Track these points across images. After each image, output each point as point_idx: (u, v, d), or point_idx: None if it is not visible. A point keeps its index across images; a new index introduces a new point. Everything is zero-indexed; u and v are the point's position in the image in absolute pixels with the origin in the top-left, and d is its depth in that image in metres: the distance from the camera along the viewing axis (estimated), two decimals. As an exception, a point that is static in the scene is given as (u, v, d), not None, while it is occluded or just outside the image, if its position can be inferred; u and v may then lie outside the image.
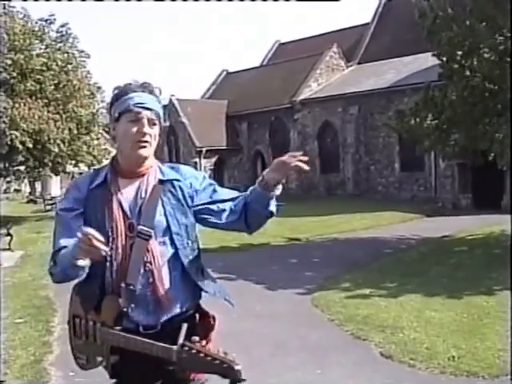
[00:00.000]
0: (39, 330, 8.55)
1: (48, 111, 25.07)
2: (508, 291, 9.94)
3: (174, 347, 2.69)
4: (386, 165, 35.49)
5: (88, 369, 3.16)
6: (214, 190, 3.26)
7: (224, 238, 19.07)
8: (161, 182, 3.14)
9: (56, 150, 25.37)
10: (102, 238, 2.66)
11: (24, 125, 23.76)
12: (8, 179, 36.79)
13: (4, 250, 16.40)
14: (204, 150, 42.40)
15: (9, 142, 23.70)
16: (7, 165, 27.24)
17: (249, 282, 12.46)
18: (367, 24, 45.77)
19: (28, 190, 49.01)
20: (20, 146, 23.99)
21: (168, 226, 3.07)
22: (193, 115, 43.15)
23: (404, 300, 10.17)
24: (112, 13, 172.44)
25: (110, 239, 2.96)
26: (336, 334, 8.38)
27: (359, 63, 42.73)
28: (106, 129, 31.48)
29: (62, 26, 27.34)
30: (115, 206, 3.02)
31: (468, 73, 15.56)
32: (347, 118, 37.09)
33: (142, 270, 2.98)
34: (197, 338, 2.66)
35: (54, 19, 26.92)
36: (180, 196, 3.15)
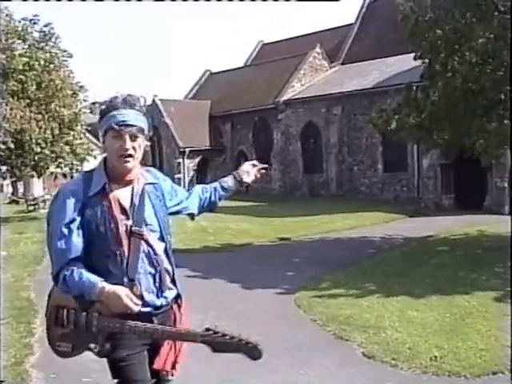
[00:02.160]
0: (20, 331, 8.47)
1: (30, 111, 24.93)
2: (490, 291, 10.00)
3: (199, 330, 3.29)
4: (369, 165, 35.62)
5: (71, 356, 3.35)
6: (178, 189, 3.90)
7: (206, 238, 19.13)
8: (146, 184, 3.50)
9: (38, 149, 25.24)
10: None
11: (6, 125, 23.62)
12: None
13: (-15, 251, 16.27)
14: (187, 150, 42.41)
15: (-10, 142, 23.57)
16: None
17: (230, 281, 12.42)
18: (351, 25, 45.95)
19: (10, 190, 48.68)
20: (1, 146, 23.84)
21: (159, 223, 3.49)
22: (176, 115, 43.14)
23: (386, 300, 10.18)
24: (97, 12, 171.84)
25: (115, 241, 3.29)
26: (318, 334, 8.37)
27: (343, 64, 42.92)
28: (89, 128, 31.40)
29: (46, 25, 27.18)
30: (116, 210, 3.32)
31: (449, 74, 15.63)
32: (331, 119, 37.20)
33: (147, 262, 3.39)
34: (216, 324, 3.35)
35: (38, 19, 26.79)
36: (160, 196, 3.57)
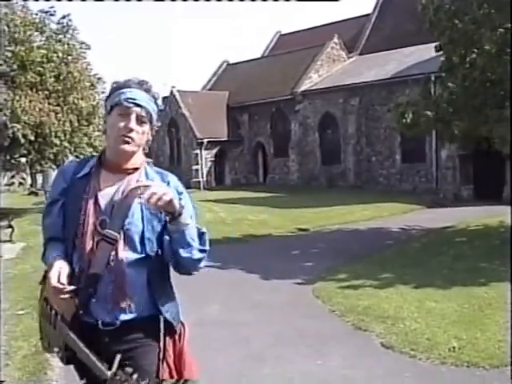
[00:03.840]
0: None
1: (49, 103, 25.01)
2: (508, 282, 9.95)
3: (108, 373, 2.76)
4: (387, 156, 35.48)
5: (48, 352, 3.28)
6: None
7: (224, 229, 19.17)
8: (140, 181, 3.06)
9: (57, 142, 25.34)
10: (65, 278, 2.88)
11: (25, 117, 23.72)
12: (12, 173, 36.74)
13: (5, 241, 16.41)
14: (205, 141, 42.39)
15: (10, 135, 23.68)
16: (9, 157, 27.20)
17: (249, 272, 12.48)
18: (368, 15, 45.68)
19: (29, 181, 48.93)
20: (22, 139, 23.96)
21: (142, 231, 3.00)
22: (194, 107, 43.15)
23: (405, 291, 10.17)
24: (114, 4, 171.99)
25: (80, 232, 2.99)
26: (337, 324, 8.37)
27: (360, 54, 42.71)
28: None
29: (63, 17, 27.24)
30: (91, 200, 3.02)
31: (468, 65, 15.56)
32: (348, 109, 37.06)
33: (105, 270, 2.93)
34: (130, 370, 2.75)
35: (55, 11, 26.84)
36: None
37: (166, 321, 3.08)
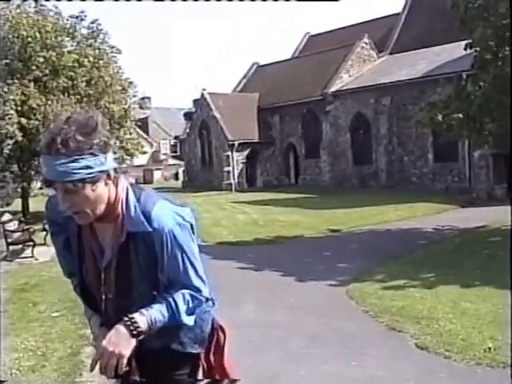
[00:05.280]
0: (76, 323, 8.63)
1: (81, 107, 25.20)
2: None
3: None
4: (419, 156, 35.27)
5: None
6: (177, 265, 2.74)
7: (257, 230, 19.21)
8: (129, 234, 2.67)
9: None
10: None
11: (57, 122, 23.95)
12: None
13: (40, 244, 16.55)
14: (236, 143, 42.51)
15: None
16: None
17: (282, 273, 12.49)
18: (398, 14, 45.45)
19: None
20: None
21: (132, 290, 2.76)
22: (225, 109, 43.30)
23: (439, 291, 10.12)
24: (144, 7, 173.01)
25: (87, 281, 2.86)
26: (371, 325, 8.36)
27: (391, 53, 42.52)
28: (139, 123, 31.67)
29: (92, 22, 27.47)
30: (87, 251, 2.78)
31: (500, 62, 15.45)
32: (379, 109, 36.91)
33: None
34: None
35: (85, 16, 27.06)
36: (151, 249, 2.68)
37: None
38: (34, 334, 8.10)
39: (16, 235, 17.13)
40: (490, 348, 6.84)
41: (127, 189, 2.69)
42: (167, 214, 2.67)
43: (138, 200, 2.68)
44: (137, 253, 2.68)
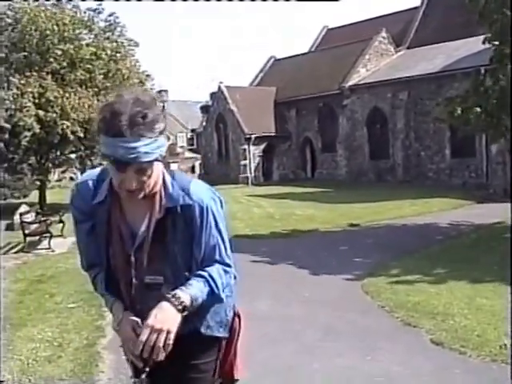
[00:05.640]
0: (92, 314, 8.69)
1: (98, 100, 25.33)
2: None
3: None
4: (436, 151, 35.18)
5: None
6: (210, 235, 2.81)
7: (273, 224, 19.23)
8: (168, 210, 2.74)
9: (106, 138, 25.61)
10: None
11: (74, 114, 24.06)
12: (62, 169, 37.26)
13: (57, 236, 16.66)
14: (253, 136, 42.57)
15: (60, 132, 24.03)
16: (59, 154, 27.60)
17: (298, 267, 12.50)
18: (416, 8, 45.25)
19: (79, 177, 49.70)
20: (71, 136, 24.29)
21: (165, 266, 2.80)
22: (241, 102, 43.33)
23: (454, 287, 10.10)
24: (144, 7, 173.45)
25: (113, 265, 2.84)
26: (386, 320, 8.34)
27: (408, 48, 42.37)
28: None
29: (110, 15, 27.58)
30: (115, 233, 2.78)
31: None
32: (397, 104, 36.83)
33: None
34: None
35: (103, 9, 27.17)
36: (190, 223, 2.76)
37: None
38: (51, 325, 8.16)
39: (33, 227, 17.26)
40: (505, 345, 6.80)
41: (163, 167, 2.74)
42: (203, 189, 2.82)
43: (173, 178, 2.78)
44: (174, 228, 2.75)
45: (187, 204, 2.72)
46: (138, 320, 2.71)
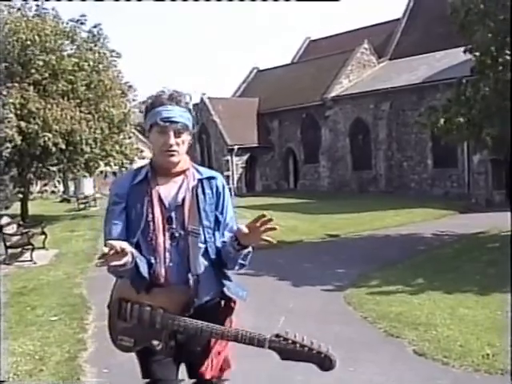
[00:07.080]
0: (74, 327, 8.63)
1: (80, 111, 25.21)
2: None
3: (267, 336, 3.25)
4: (418, 161, 35.33)
5: (132, 351, 3.36)
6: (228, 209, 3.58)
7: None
8: (199, 180, 3.46)
9: (88, 150, 25.50)
10: (122, 247, 2.98)
11: (56, 126, 23.91)
12: (44, 181, 37.04)
13: (39, 248, 16.55)
14: (235, 147, 42.55)
15: (42, 144, 23.87)
16: (40, 165, 27.43)
17: (280, 279, 12.52)
18: (398, 19, 45.49)
19: (62, 189, 49.36)
20: (53, 148, 24.15)
21: (200, 221, 3.38)
22: (224, 113, 43.33)
23: (437, 297, 10.12)
24: (143, 12, 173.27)
25: (151, 229, 3.32)
26: (369, 331, 8.34)
27: (390, 59, 42.58)
28: (138, 128, 31.66)
29: (94, 26, 27.50)
30: (155, 199, 3.35)
31: (500, 67, 15.45)
32: (379, 115, 36.97)
33: (184, 266, 3.32)
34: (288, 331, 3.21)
35: (85, 20, 27.08)
36: (215, 192, 3.49)
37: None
38: (32, 338, 8.08)
39: (15, 238, 17.12)
40: (488, 354, 6.82)
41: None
42: (220, 176, 3.65)
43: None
44: (204, 195, 3.44)
45: (212, 176, 3.52)
46: (135, 251, 3.13)
